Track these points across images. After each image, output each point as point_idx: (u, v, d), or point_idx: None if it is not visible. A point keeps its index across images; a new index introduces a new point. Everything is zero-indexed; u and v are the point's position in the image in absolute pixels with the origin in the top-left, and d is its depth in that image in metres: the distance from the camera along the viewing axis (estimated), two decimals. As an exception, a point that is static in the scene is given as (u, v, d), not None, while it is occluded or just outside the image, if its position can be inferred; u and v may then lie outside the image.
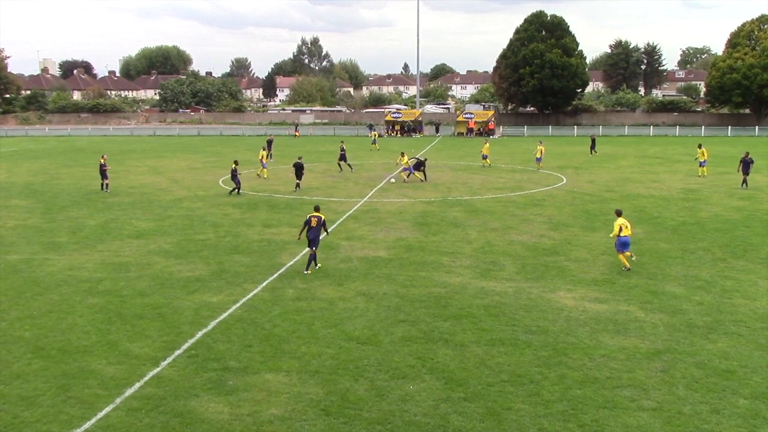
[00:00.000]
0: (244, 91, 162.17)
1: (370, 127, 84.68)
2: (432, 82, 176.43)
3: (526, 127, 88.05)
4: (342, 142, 50.98)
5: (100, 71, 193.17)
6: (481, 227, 27.26)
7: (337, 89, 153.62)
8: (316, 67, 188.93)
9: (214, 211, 31.25)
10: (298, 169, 37.33)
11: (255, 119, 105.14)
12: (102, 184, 37.55)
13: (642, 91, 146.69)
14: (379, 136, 77.28)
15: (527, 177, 42.73)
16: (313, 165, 49.83)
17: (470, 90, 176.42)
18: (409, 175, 40.54)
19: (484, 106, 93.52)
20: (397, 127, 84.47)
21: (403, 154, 42.23)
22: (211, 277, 20.28)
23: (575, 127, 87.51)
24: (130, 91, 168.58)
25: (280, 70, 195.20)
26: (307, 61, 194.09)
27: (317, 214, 20.91)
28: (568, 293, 18.65)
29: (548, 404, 12.24)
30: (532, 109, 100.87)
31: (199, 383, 13.11)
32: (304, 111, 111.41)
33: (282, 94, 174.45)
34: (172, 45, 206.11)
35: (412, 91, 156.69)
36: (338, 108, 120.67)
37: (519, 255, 22.84)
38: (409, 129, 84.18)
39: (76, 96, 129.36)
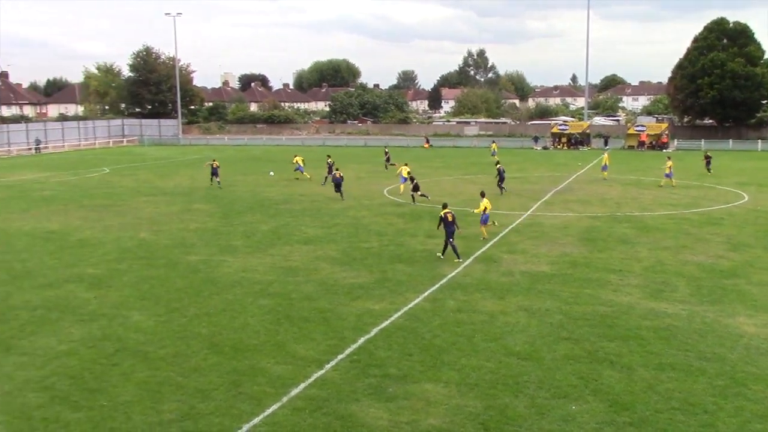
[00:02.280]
0: (409, 102, 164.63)
1: (536, 139, 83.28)
2: (601, 94, 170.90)
3: (703, 140, 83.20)
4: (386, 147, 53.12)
5: (275, 84, 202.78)
6: (651, 245, 26.02)
7: (503, 101, 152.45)
8: (482, 79, 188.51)
9: (379, 220, 31.90)
10: (415, 185, 37.56)
11: (420, 131, 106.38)
12: (211, 180, 44.76)
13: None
14: (544, 148, 75.65)
15: (703, 194, 40.32)
16: (475, 177, 49.73)
17: (642, 102, 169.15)
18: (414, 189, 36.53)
19: (657, 118, 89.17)
20: (564, 140, 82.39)
21: (406, 164, 41.71)
22: (374, 285, 20.70)
23: (759, 141, 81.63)
24: (302, 103, 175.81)
25: (446, 81, 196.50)
26: (472, 72, 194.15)
27: (449, 210, 23.93)
28: (749, 319, 17.38)
29: (723, 437, 11.45)
30: (710, 121, 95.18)
31: (360, 388, 13.40)
32: (469, 123, 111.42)
33: (447, 106, 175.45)
34: (342, 58, 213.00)
35: (580, 102, 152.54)
36: (503, 120, 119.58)
37: (693, 276, 21.58)
38: (576, 141, 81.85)
39: (253, 107, 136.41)
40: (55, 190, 44.12)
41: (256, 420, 12.13)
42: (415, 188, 37.42)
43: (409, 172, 40.21)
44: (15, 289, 20.53)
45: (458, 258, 23.52)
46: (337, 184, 38.82)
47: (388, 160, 55.89)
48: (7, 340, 16.17)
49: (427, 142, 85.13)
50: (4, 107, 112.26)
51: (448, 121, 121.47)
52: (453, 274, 21.95)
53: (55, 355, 15.26)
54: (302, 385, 13.50)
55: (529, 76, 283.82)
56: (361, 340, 15.98)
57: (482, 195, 27.63)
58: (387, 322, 17.26)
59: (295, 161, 48.63)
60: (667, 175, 43.00)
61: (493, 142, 70.28)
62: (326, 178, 44.72)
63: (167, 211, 34.85)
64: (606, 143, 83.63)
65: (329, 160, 46.77)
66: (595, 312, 18.01)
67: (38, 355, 15.22)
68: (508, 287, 20.41)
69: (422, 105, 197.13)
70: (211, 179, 44.91)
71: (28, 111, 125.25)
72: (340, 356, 15.02)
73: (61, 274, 22.18)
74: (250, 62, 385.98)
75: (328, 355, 15.05)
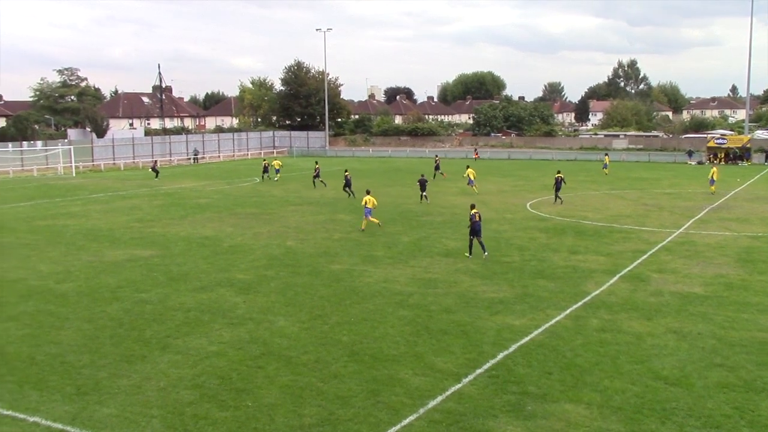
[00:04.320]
0: (555, 115, 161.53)
1: (690, 153, 79.41)
2: (764, 105, 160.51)
3: None
4: (317, 162, 56.28)
5: (420, 97, 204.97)
6: (818, 268, 24.10)
7: (654, 113, 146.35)
8: (633, 91, 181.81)
9: (521, 234, 31.44)
10: (422, 185, 42.84)
11: (565, 144, 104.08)
12: (314, 182, 51.66)
13: None
14: (699, 163, 72.02)
15: None
16: (623, 192, 48.04)
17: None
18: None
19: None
20: (721, 155, 77.98)
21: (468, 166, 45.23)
22: (514, 300, 20.40)
23: None
24: (446, 116, 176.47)
25: (594, 93, 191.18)
26: (622, 84, 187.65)
27: (477, 211, 26.59)
28: None
29: None
30: None
31: (498, 404, 13.21)
32: (618, 136, 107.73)
33: (594, 119, 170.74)
34: (487, 71, 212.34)
35: (740, 115, 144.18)
36: (654, 133, 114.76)
37: None
38: (735, 156, 77.28)
39: (398, 120, 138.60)
40: (210, 198, 46.62)
41: (393, 430, 12.22)
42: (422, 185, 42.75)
43: (422, 179, 43.63)
44: (172, 291, 21.82)
45: (484, 252, 26.15)
46: (347, 183, 45.00)
47: (437, 168, 58.70)
48: (164, 339, 17.19)
49: (476, 152, 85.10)
50: (167, 119, 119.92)
51: (596, 134, 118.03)
52: (597, 292, 21.25)
53: (206, 355, 16.06)
54: (439, 398, 13.48)
55: (684, 87, 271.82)
56: (500, 356, 15.77)
57: (367, 192, 33.46)
58: (527, 339, 16.94)
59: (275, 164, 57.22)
60: None
61: (606, 154, 67.90)
62: (349, 193, 45.40)
63: (313, 220, 35.95)
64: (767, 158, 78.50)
65: (347, 174, 46.63)
66: (753, 338, 16.86)
67: (191, 355, 16.08)
68: (656, 308, 19.51)
69: (569, 117, 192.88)
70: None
71: (188, 123, 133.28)
72: (479, 371, 14.88)
73: (214, 279, 23.36)
74: (396, 75, 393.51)
75: (466, 369, 14.96)
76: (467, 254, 26.48)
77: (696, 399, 13.39)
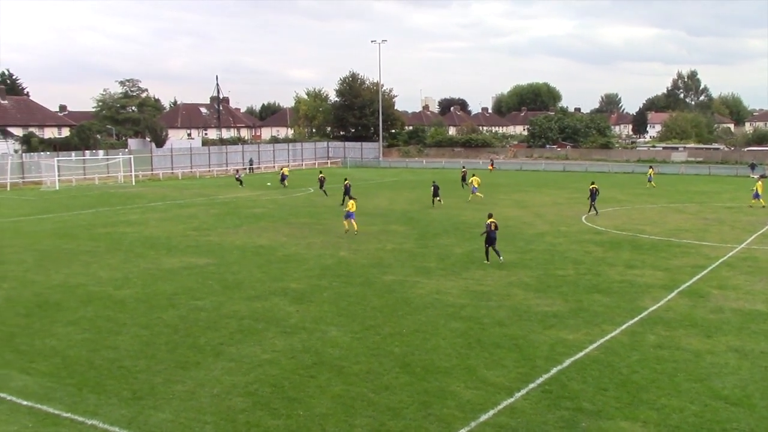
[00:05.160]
0: (612, 127, 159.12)
1: (752, 166, 77.32)
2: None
3: None
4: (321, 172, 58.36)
5: (474, 108, 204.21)
6: None
7: (715, 125, 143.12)
8: (692, 102, 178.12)
9: (576, 247, 30.99)
10: (435, 190, 46.64)
11: (622, 156, 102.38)
12: (323, 191, 53.83)
13: None
14: (762, 176, 70.17)
15: None
16: (683, 205, 47.02)
17: None
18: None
19: None
20: (785, 167, 75.81)
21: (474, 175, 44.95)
22: (568, 314, 20.09)
23: None
24: (500, 127, 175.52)
25: (652, 105, 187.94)
26: (682, 95, 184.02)
27: (494, 221, 27.62)
28: None
29: None
30: None
31: (551, 420, 13.00)
32: (677, 148, 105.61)
33: (653, 131, 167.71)
34: (542, 82, 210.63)
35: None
36: (715, 146, 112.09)
37: None
38: (800, 170, 75.07)
39: (452, 131, 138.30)
40: (265, 207, 47.18)
41: (444, 443, 12.13)
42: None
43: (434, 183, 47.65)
44: (226, 299, 22.11)
45: (499, 257, 27.18)
46: (345, 190, 46.82)
47: (463, 179, 60.29)
48: (218, 347, 17.42)
49: (492, 164, 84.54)
50: (224, 130, 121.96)
51: (654, 146, 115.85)
52: (654, 307, 20.80)
53: (259, 363, 16.21)
54: (491, 412, 13.34)
55: (747, 98, 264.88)
56: (554, 371, 15.53)
57: (349, 195, 39.62)
58: (581, 354, 16.66)
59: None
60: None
61: (651, 167, 66.67)
62: (344, 199, 44.38)
63: (365, 231, 36.05)
64: (836, 172, 76.05)
65: (346, 182, 48.64)
66: (819, 358, 16.28)
67: (244, 362, 16.24)
68: (717, 325, 18.99)
69: (626, 129, 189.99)
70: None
71: (245, 134, 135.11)
72: (531, 385, 14.68)
73: (268, 287, 23.59)
74: (450, 87, 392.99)
75: (519, 383, 14.77)
76: (485, 261, 27.42)
77: (758, 420, 12.97)
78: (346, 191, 46.42)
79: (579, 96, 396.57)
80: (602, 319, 19.64)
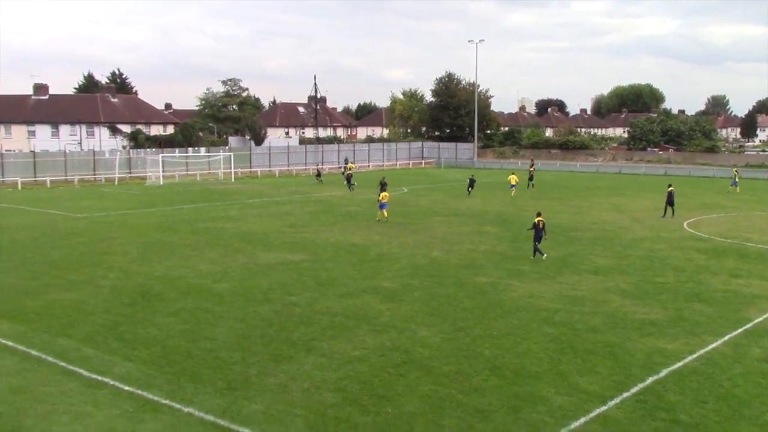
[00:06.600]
0: (719, 130, 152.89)
1: None
2: None
3: None
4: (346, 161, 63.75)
5: (572, 109, 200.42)
6: None
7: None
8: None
9: (677, 254, 29.93)
10: (471, 183, 53.41)
11: (729, 160, 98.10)
12: (349, 186, 58.33)
13: None
14: None
15: None
16: (794, 213, 44.72)
17: None
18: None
19: None
20: None
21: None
22: (667, 323, 19.43)
23: None
24: (599, 129, 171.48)
25: (763, 107, 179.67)
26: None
27: (542, 219, 28.40)
28: None
29: None
30: None
31: (645, 431, 12.62)
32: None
33: (763, 134, 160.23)
34: (644, 83, 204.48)
35: None
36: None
37: None
38: None
39: (548, 133, 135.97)
40: (359, 206, 47.66)
41: (534, 449, 11.95)
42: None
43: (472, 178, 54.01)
44: (320, 295, 22.47)
45: (542, 255, 28.15)
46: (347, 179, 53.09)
47: (531, 179, 61.55)
48: (310, 342, 17.72)
49: (532, 166, 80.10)
50: (320, 129, 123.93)
51: (764, 150, 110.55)
52: (760, 319, 19.86)
53: (349, 359, 16.40)
54: (583, 419, 13.05)
55: None
56: (650, 380, 15.06)
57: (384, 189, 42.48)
58: (680, 364, 16.09)
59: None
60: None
61: (736, 169, 63.86)
62: (379, 192, 43.84)
63: (459, 231, 35.91)
64: None
65: (348, 171, 56.81)
66: None
67: (335, 358, 16.47)
68: (828, 340, 17.98)
69: (733, 133, 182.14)
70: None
71: (340, 133, 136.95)
72: (626, 394, 14.28)
73: (360, 285, 23.84)
74: (548, 87, 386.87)
75: (613, 392, 14.39)
76: (543, 257, 28.24)
77: None
78: (383, 187, 46.20)
79: (683, 98, 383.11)
80: (703, 329, 18.90)
